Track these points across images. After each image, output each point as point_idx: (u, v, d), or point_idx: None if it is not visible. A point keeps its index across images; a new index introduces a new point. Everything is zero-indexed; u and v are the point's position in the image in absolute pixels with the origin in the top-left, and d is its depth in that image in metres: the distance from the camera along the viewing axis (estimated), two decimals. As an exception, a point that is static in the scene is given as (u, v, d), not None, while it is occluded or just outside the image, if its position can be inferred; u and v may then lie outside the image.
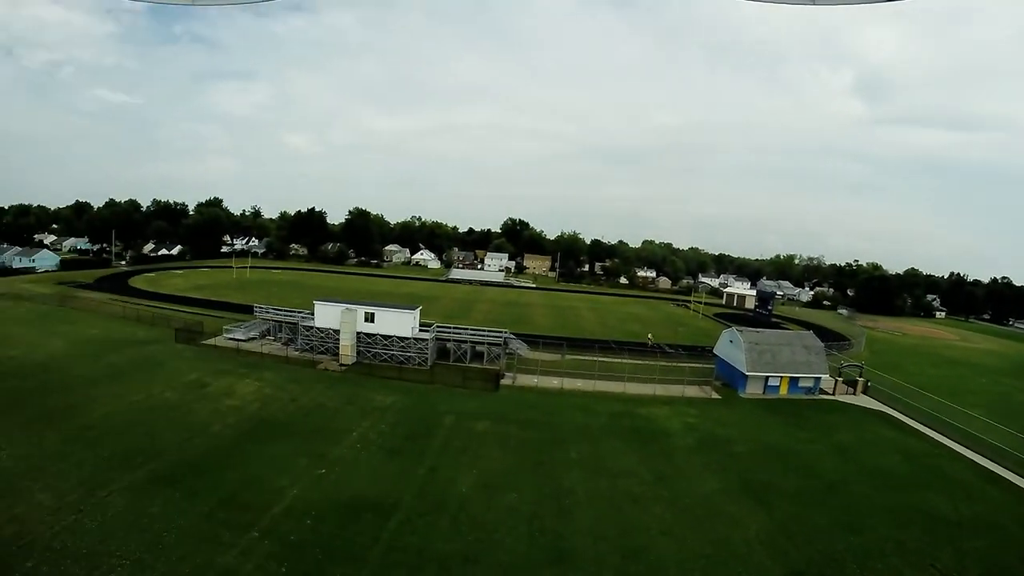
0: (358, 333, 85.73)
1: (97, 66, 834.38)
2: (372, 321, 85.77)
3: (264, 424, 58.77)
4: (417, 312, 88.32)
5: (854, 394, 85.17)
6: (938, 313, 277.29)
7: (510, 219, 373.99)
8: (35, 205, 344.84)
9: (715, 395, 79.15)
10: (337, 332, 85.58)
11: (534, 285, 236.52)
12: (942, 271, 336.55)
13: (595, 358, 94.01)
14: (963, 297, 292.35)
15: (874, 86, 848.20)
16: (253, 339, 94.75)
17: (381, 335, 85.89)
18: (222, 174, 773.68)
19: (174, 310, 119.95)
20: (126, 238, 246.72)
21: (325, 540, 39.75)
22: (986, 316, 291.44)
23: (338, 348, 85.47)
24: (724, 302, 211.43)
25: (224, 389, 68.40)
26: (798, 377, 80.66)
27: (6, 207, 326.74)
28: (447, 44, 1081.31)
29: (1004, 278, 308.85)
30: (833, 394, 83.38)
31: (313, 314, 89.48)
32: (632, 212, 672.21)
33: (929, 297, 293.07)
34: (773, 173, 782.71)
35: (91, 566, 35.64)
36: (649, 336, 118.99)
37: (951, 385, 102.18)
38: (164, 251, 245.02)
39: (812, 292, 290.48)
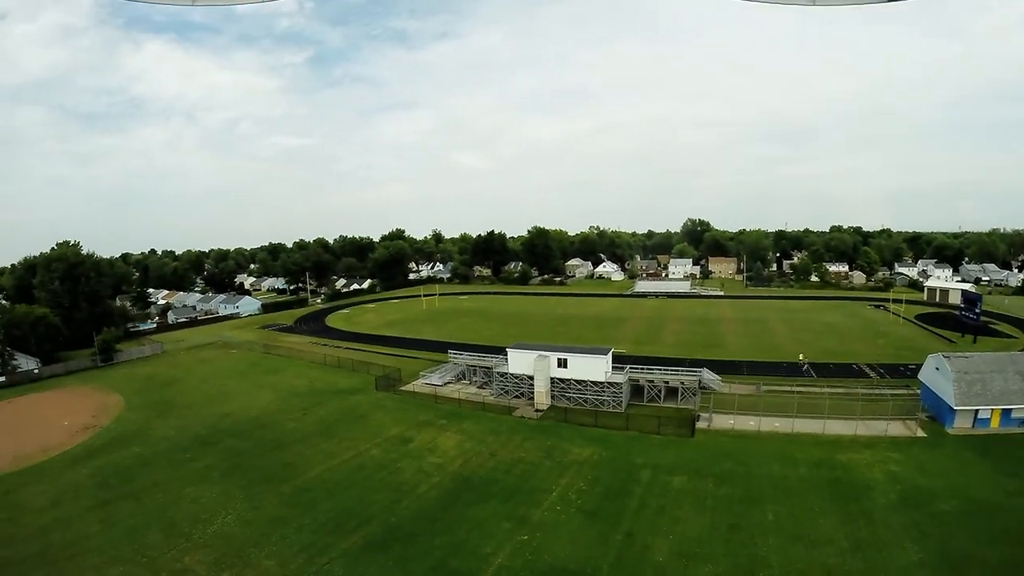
0: (552, 378, 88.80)
1: (270, 117, 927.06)
2: (565, 367, 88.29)
3: (467, 483, 62.86)
4: (609, 356, 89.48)
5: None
6: None
7: (689, 220, 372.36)
8: (232, 249, 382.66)
9: (920, 432, 73.24)
10: (531, 378, 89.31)
11: (722, 293, 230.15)
12: None
13: (793, 388, 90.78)
14: None
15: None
16: (449, 383, 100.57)
17: (575, 380, 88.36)
18: (399, 200, 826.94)
19: (372, 351, 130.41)
20: (319, 276, 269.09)
21: (532, 616, 41.99)
22: None
23: (532, 392, 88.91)
24: (925, 297, 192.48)
25: (427, 444, 73.87)
26: (1011, 408, 73.63)
27: (207, 251, 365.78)
28: (596, 44, 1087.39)
29: None
30: (1052, 425, 75.12)
31: (507, 358, 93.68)
32: (812, 193, 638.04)
33: None
34: (960, 130, 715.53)
35: (320, 640, 40.00)
36: (801, 356, 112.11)
37: None
38: (355, 285, 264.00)
39: (1022, 275, 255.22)
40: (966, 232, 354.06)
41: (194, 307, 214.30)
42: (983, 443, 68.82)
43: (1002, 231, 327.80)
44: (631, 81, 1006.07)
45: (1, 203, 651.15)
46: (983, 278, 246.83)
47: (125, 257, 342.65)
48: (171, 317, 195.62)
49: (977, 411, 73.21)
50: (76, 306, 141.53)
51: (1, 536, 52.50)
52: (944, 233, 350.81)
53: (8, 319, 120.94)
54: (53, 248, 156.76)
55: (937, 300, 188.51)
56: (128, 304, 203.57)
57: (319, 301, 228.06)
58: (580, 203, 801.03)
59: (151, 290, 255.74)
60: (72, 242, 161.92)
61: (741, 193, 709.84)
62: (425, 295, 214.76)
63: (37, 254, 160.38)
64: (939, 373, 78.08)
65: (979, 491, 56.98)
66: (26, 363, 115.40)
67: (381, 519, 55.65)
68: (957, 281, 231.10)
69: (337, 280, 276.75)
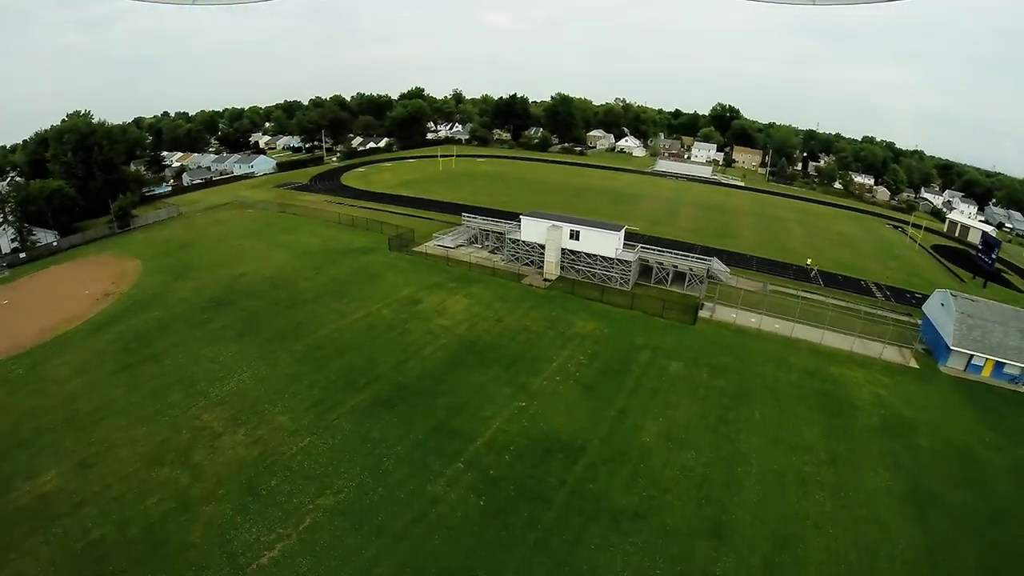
0: (563, 250, 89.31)
1: None
2: (577, 239, 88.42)
3: (472, 347, 65.01)
4: (622, 233, 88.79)
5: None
6: None
7: (719, 104, 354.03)
8: (247, 108, 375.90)
9: (914, 363, 72.68)
10: (542, 246, 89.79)
11: (743, 184, 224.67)
12: None
13: (799, 293, 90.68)
14: None
15: None
16: (461, 246, 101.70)
17: (585, 253, 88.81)
18: (420, 59, 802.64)
19: (386, 211, 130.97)
20: (335, 134, 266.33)
21: (519, 478, 44.90)
22: None
23: (543, 261, 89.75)
24: (946, 229, 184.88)
25: (436, 306, 75.68)
26: (1004, 362, 73.23)
27: (221, 111, 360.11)
28: None
29: None
30: (1042, 387, 73.98)
31: (520, 225, 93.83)
32: (850, 99, 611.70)
33: None
34: (1012, 65, 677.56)
35: (323, 487, 43.19)
36: (808, 261, 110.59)
37: None
38: (372, 144, 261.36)
39: None
40: (999, 173, 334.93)
41: (209, 168, 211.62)
42: (971, 389, 67.87)
43: None
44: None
45: (8, 78, 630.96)
46: (1007, 224, 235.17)
47: (138, 121, 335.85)
48: (186, 179, 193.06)
49: (972, 356, 72.07)
50: (91, 175, 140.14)
51: (31, 407, 54.20)
52: (977, 169, 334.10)
53: (24, 195, 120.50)
54: (64, 120, 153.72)
55: (956, 235, 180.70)
56: (143, 169, 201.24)
57: (335, 159, 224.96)
58: (608, 73, 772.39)
59: (165, 153, 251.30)
60: (83, 111, 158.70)
61: (775, 86, 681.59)
62: (442, 156, 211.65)
63: (48, 127, 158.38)
64: (943, 309, 76.88)
65: (958, 435, 56.75)
66: (45, 237, 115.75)
67: (388, 378, 57.96)
68: (980, 220, 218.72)
69: (353, 138, 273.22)
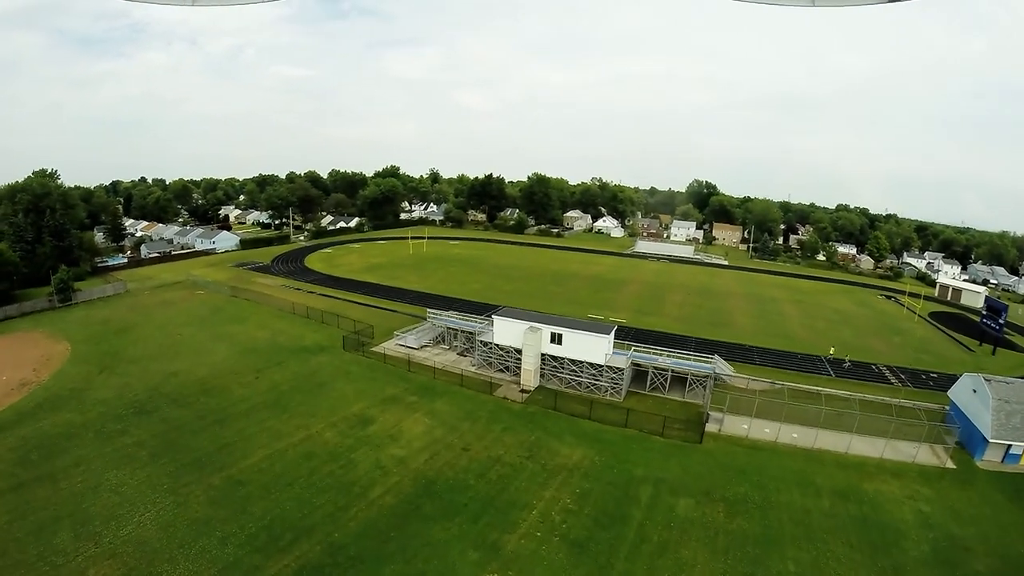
0: (543, 355, 77.67)
1: (274, 46, 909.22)
2: (559, 343, 76.79)
3: (430, 488, 52.08)
4: (611, 335, 77.81)
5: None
6: None
7: (696, 180, 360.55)
8: (223, 179, 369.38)
9: (950, 463, 63.98)
10: (518, 351, 78.03)
11: (727, 262, 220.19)
12: None
13: (816, 389, 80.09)
14: None
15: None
16: (426, 347, 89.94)
17: (569, 359, 77.22)
18: (398, 138, 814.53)
19: (347, 300, 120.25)
20: (305, 211, 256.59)
21: None
22: None
23: (519, 367, 78.04)
24: (937, 294, 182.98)
25: (390, 427, 63.10)
26: None
27: (198, 180, 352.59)
28: None
29: None
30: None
31: (493, 325, 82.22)
32: (816, 167, 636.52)
33: None
34: (974, 123, 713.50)
35: None
36: (832, 350, 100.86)
37: None
38: (342, 223, 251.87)
39: None
40: (970, 228, 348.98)
41: (170, 240, 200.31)
42: (1013, 483, 60.44)
43: (1012, 235, 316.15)
44: (638, 34, 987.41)
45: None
46: (992, 280, 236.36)
47: (115, 185, 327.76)
48: (144, 251, 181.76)
49: (1010, 446, 63.88)
50: (39, 240, 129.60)
51: None
52: (947, 226, 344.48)
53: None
54: (29, 177, 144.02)
55: (949, 299, 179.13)
56: (102, 236, 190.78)
57: (302, 238, 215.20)
58: (583, 153, 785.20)
59: (131, 221, 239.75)
60: (49, 171, 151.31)
61: (744, 158, 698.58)
62: (413, 238, 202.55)
63: (3, 185, 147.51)
64: (976, 396, 67.88)
65: (1014, 547, 49.18)
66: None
67: (322, 533, 45.05)
68: (964, 280, 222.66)
69: (324, 216, 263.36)
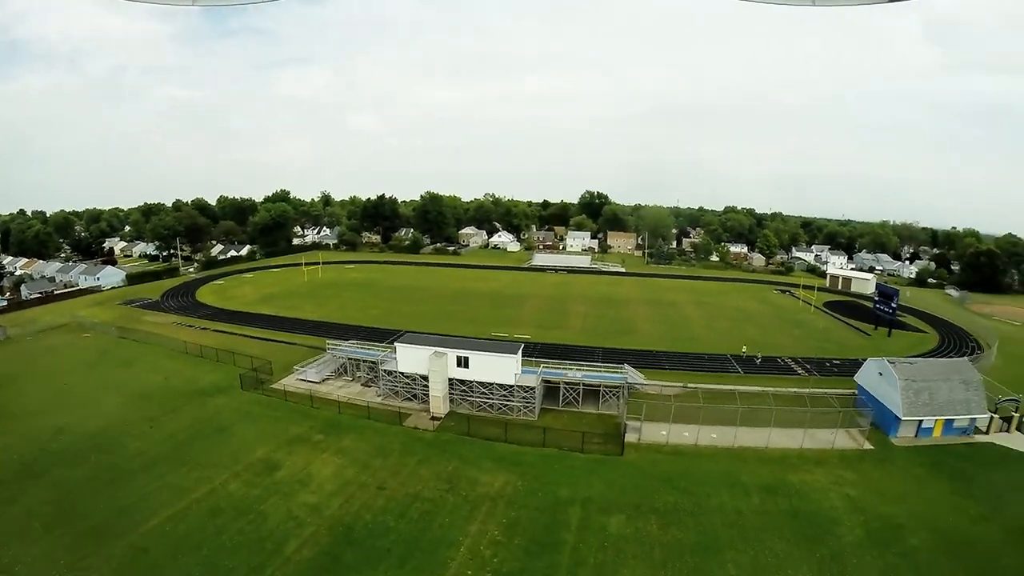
0: (450, 379, 76.30)
1: (159, 66, 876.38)
2: (466, 366, 75.74)
3: (349, 535, 49.63)
4: (519, 354, 77.45)
5: (1008, 431, 72.23)
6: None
7: (588, 192, 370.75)
8: (107, 210, 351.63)
9: (867, 444, 68.10)
10: (425, 378, 76.42)
11: (624, 269, 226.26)
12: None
13: (728, 388, 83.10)
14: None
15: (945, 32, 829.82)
16: (328, 379, 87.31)
17: (478, 382, 76.20)
18: (289, 161, 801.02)
19: (242, 334, 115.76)
20: (193, 241, 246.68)
21: None
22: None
23: (427, 394, 76.39)
24: (828, 284, 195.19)
25: (299, 472, 60.10)
26: (953, 418, 69.93)
27: (80, 211, 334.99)
28: (501, 12, 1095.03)
29: None
30: (987, 432, 71.48)
31: (395, 352, 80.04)
32: (702, 172, 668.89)
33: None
34: (851, 126, 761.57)
35: None
36: (744, 349, 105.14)
37: None
38: (233, 252, 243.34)
39: (915, 268, 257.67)
40: (851, 220, 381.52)
41: (52, 279, 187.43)
42: (930, 455, 64.89)
43: (892, 223, 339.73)
44: (532, 52, 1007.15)
45: None
46: (877, 267, 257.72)
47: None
48: (24, 292, 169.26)
49: (921, 421, 68.98)
50: None
51: None
52: (831, 220, 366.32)
53: None
54: None
55: (840, 288, 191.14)
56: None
57: (192, 270, 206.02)
58: (476, 169, 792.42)
59: (9, 258, 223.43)
60: None
61: (637, 168, 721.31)
62: (307, 264, 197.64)
63: None
64: (883, 379, 73.05)
65: (943, 519, 52.44)
66: None
67: (236, 602, 42.35)
68: (851, 268, 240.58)
69: (214, 246, 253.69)
